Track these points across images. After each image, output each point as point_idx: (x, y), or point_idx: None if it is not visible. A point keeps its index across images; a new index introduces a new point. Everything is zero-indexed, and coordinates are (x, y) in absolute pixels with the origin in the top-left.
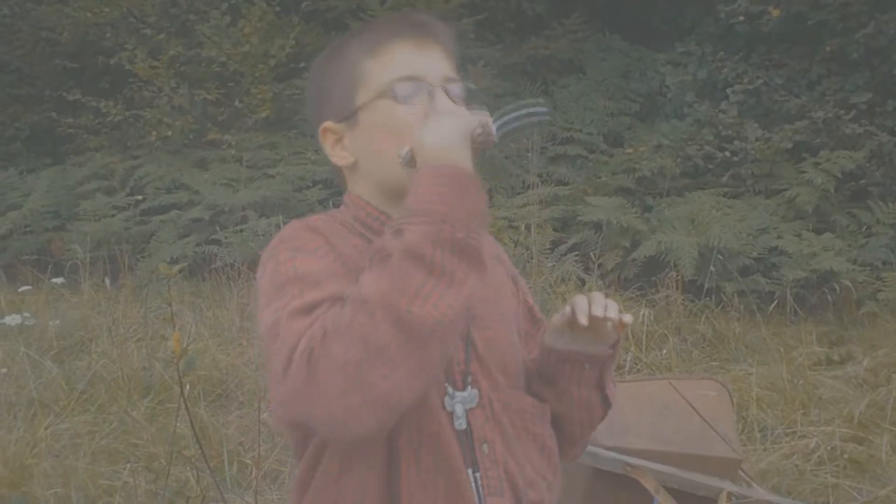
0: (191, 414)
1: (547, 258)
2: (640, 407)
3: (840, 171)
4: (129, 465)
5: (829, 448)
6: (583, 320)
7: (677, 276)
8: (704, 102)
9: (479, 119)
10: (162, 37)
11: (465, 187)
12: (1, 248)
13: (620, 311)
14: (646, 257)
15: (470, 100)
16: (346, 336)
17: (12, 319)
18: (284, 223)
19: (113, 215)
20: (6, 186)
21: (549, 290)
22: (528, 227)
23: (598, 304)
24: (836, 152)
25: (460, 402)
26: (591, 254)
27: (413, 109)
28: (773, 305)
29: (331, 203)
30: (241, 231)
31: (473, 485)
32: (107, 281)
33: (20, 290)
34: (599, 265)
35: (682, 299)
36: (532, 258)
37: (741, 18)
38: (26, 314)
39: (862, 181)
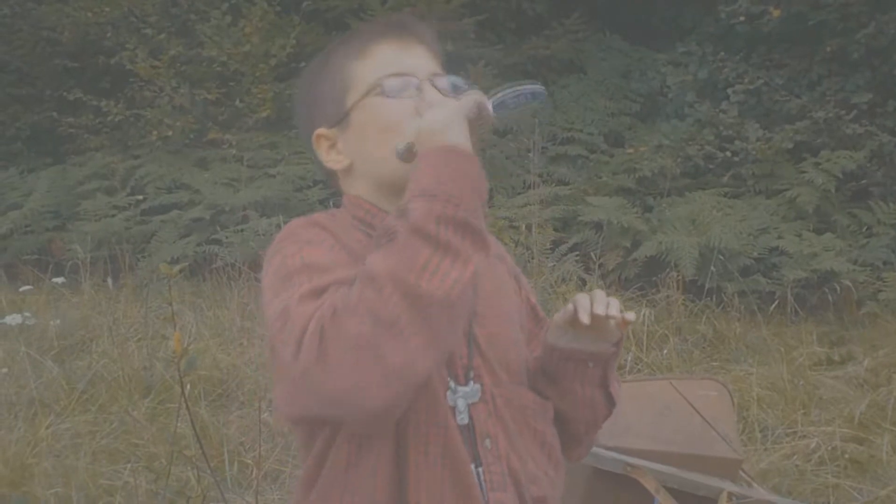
0: (191, 414)
1: (547, 258)
2: (640, 407)
3: (841, 172)
4: (129, 465)
5: (829, 448)
6: (585, 318)
7: (678, 276)
8: (705, 102)
9: (474, 98)
10: (163, 36)
11: (466, 167)
12: (2, 247)
13: (622, 310)
14: (646, 257)
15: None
16: (357, 312)
17: (13, 319)
18: (285, 223)
19: (113, 215)
20: (7, 186)
21: (550, 290)
22: (528, 227)
23: (600, 303)
24: (836, 152)
25: (462, 396)
26: (592, 254)
27: (403, 104)
28: (773, 305)
29: (331, 203)
30: (242, 231)
31: (476, 480)
32: (109, 280)
33: (21, 289)
34: (600, 265)
35: (683, 299)
36: (533, 258)
37: (742, 18)
38: (27, 314)
39: (863, 181)
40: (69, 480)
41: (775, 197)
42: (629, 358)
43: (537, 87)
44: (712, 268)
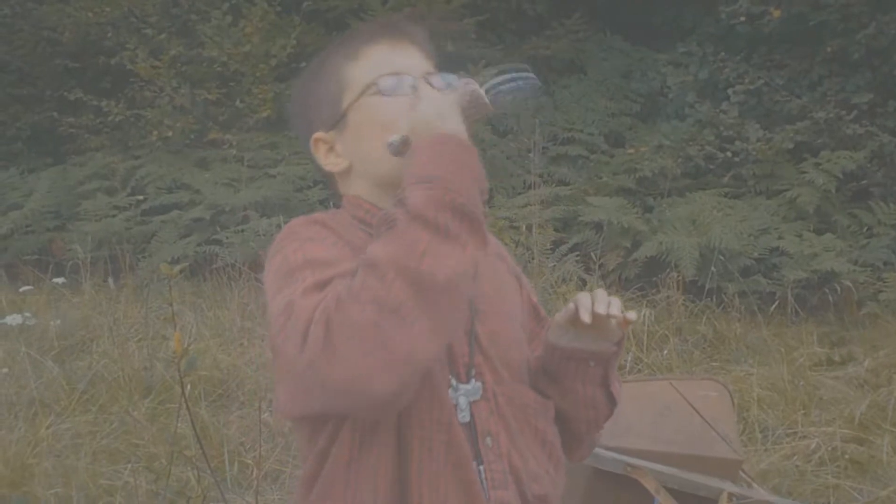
0: (192, 414)
1: (548, 258)
2: (640, 407)
3: (841, 172)
4: (129, 465)
5: (829, 449)
6: (586, 318)
7: (678, 276)
8: (705, 103)
9: (468, 88)
10: (163, 37)
11: (463, 155)
12: (2, 247)
13: (623, 309)
14: (647, 258)
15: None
16: (360, 300)
17: (13, 319)
18: (285, 223)
19: (114, 215)
20: (7, 186)
21: (550, 291)
22: (529, 228)
23: (602, 302)
24: (837, 153)
25: (464, 394)
26: (592, 254)
27: (398, 101)
28: (773, 306)
29: (331, 203)
30: (243, 231)
31: (478, 477)
32: (110, 280)
33: (21, 289)
34: (600, 265)
35: (683, 300)
36: (533, 258)
37: (742, 19)
38: (27, 314)
39: (863, 182)
40: (69, 480)
41: (776, 197)
42: (629, 358)
43: (530, 76)
44: (713, 268)
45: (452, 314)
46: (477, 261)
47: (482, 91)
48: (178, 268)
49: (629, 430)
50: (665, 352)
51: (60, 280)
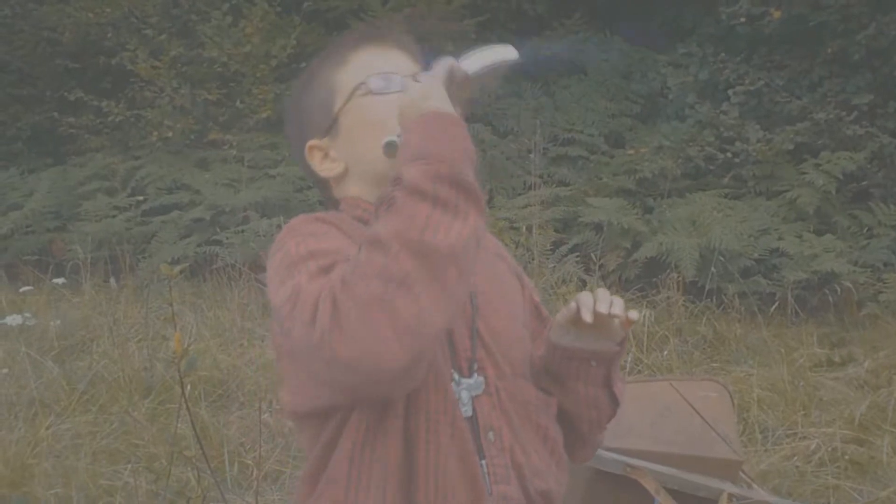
0: (192, 414)
1: (548, 259)
2: (641, 408)
3: (841, 173)
4: (129, 466)
5: (829, 449)
6: (587, 317)
7: (678, 277)
8: (706, 104)
9: (444, 63)
10: (163, 37)
11: (452, 129)
12: (2, 248)
13: (625, 309)
14: (647, 258)
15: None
16: (366, 275)
17: (13, 319)
18: (285, 223)
19: (114, 216)
20: (7, 186)
21: (551, 292)
22: (529, 228)
23: (603, 301)
24: (837, 154)
25: (466, 388)
26: (592, 255)
27: (388, 100)
28: (774, 307)
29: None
30: (243, 231)
31: (481, 472)
32: (112, 280)
33: (21, 290)
34: (600, 266)
35: (683, 300)
36: (533, 259)
37: (742, 20)
38: (27, 314)
39: (863, 183)
40: (69, 481)
41: (776, 198)
42: (629, 359)
43: (509, 47)
44: (713, 269)
45: (458, 284)
46: (480, 231)
47: (458, 63)
48: (178, 268)
49: (629, 430)
50: (665, 352)
51: (60, 280)
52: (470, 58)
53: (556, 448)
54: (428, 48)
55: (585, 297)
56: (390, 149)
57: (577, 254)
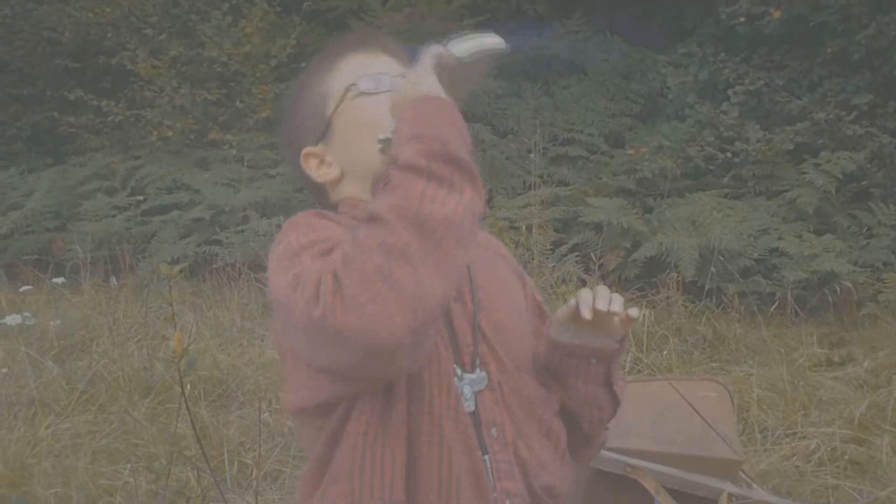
0: (191, 414)
1: (548, 259)
2: (640, 407)
3: (841, 173)
4: (129, 465)
5: (829, 449)
6: (586, 314)
7: (678, 277)
8: (705, 103)
9: (431, 51)
10: (163, 37)
11: (444, 110)
12: (2, 247)
13: (625, 306)
14: (646, 258)
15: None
16: (366, 249)
17: (13, 319)
18: (286, 221)
19: (114, 215)
20: (7, 186)
21: (550, 291)
22: (529, 228)
23: (603, 298)
24: (836, 153)
25: (468, 383)
26: (592, 254)
27: (379, 99)
28: (773, 307)
29: None
30: (242, 231)
31: (484, 467)
32: (113, 279)
33: (21, 289)
34: (600, 266)
35: (683, 300)
36: (533, 259)
37: (742, 20)
38: (27, 314)
39: (863, 182)
40: (69, 480)
41: (775, 198)
42: (629, 358)
43: (496, 36)
44: (712, 269)
45: (457, 256)
46: (476, 205)
47: (446, 49)
48: (177, 268)
49: (629, 430)
50: (665, 352)
51: (60, 280)
52: (458, 43)
53: (559, 443)
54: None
55: (585, 294)
56: (385, 146)
57: (577, 253)
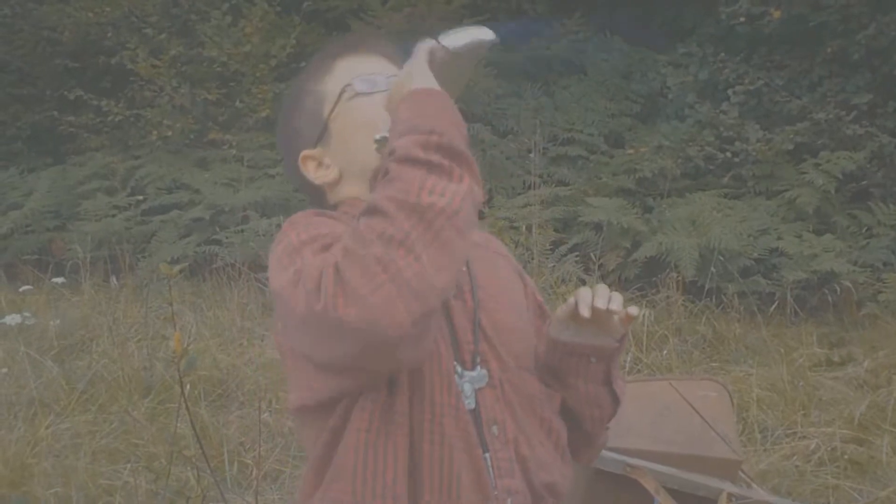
0: (191, 414)
1: (548, 259)
2: (640, 407)
3: (841, 173)
4: (129, 465)
5: (829, 449)
6: (585, 312)
7: (678, 276)
8: (705, 103)
9: (422, 46)
10: (163, 36)
11: (438, 102)
12: (2, 247)
13: (624, 305)
14: (646, 258)
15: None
16: (366, 240)
17: (13, 319)
18: (286, 221)
19: (114, 215)
20: (7, 186)
21: (550, 291)
22: (528, 228)
23: (602, 297)
24: (836, 153)
25: (469, 381)
26: (592, 254)
27: (374, 99)
28: (773, 307)
29: None
30: (242, 231)
31: (485, 465)
32: (113, 279)
33: (21, 289)
34: (600, 266)
35: (683, 300)
36: (533, 259)
37: (742, 20)
38: (27, 314)
39: (863, 182)
40: (69, 480)
41: (775, 198)
42: (629, 358)
43: (486, 28)
44: (712, 269)
45: (458, 244)
46: (476, 195)
47: (438, 42)
48: (177, 268)
49: (629, 430)
50: (664, 352)
51: (60, 280)
52: (449, 36)
53: (560, 441)
54: None
55: (584, 293)
56: (382, 145)
57: (577, 253)
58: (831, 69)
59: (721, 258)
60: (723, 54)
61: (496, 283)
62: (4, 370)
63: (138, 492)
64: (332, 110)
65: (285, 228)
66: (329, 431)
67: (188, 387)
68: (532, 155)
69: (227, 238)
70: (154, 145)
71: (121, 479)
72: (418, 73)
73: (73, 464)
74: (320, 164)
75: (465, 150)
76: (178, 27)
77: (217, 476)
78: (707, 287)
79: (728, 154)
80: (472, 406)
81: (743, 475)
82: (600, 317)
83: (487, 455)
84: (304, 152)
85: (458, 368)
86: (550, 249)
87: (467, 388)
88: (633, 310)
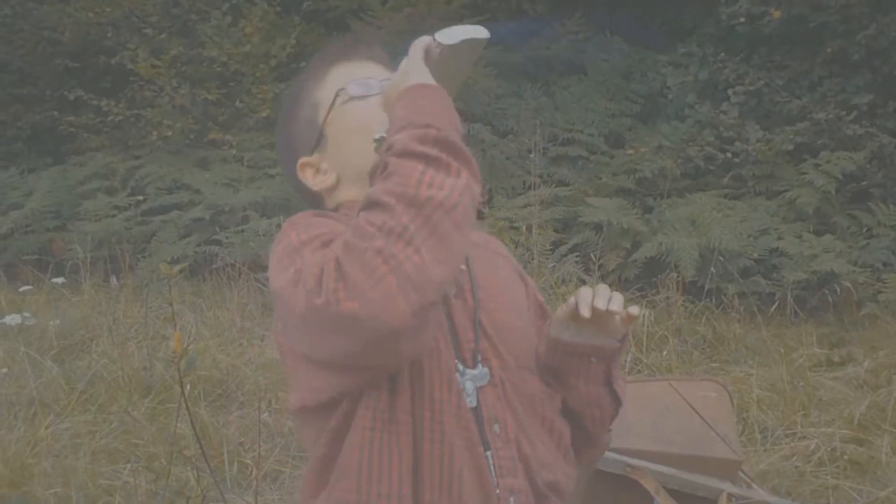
0: (191, 414)
1: (548, 259)
2: (640, 408)
3: (841, 173)
4: (129, 465)
5: (829, 449)
6: (585, 312)
7: (678, 277)
8: (705, 103)
9: (417, 43)
10: (163, 36)
11: (431, 96)
12: (2, 247)
13: (624, 305)
14: (646, 258)
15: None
16: (366, 233)
17: (13, 319)
18: (285, 221)
19: (114, 215)
20: (7, 186)
21: (550, 291)
22: (528, 228)
23: (602, 297)
24: (836, 153)
25: (470, 379)
26: (592, 255)
27: (369, 102)
28: (773, 307)
29: None
30: (242, 231)
31: (487, 464)
32: (111, 280)
33: (21, 289)
34: (600, 266)
35: (683, 300)
36: (533, 259)
37: (742, 20)
38: (27, 314)
39: (863, 183)
40: (69, 480)
41: (775, 198)
42: (629, 359)
43: (479, 26)
44: (712, 269)
45: (457, 238)
46: (474, 190)
47: (433, 39)
48: (177, 268)
49: (628, 430)
50: (664, 352)
51: (60, 280)
52: (444, 32)
53: (562, 440)
54: None
55: (584, 293)
56: (380, 145)
57: (577, 254)
58: (831, 69)
59: (721, 258)
60: (723, 54)
61: (496, 283)
62: (4, 370)
63: (138, 492)
64: (326, 115)
65: (285, 229)
66: (330, 431)
67: (188, 387)
68: (532, 155)
69: (227, 238)
70: (154, 145)
71: (121, 479)
72: (415, 70)
73: (73, 464)
74: (318, 171)
75: (463, 145)
76: (178, 27)
77: (217, 476)
78: (707, 287)
79: (728, 154)
80: (474, 404)
81: (743, 475)
82: (601, 317)
83: (489, 454)
84: (302, 159)
85: (460, 366)
86: (550, 250)
87: (469, 387)
88: (634, 310)
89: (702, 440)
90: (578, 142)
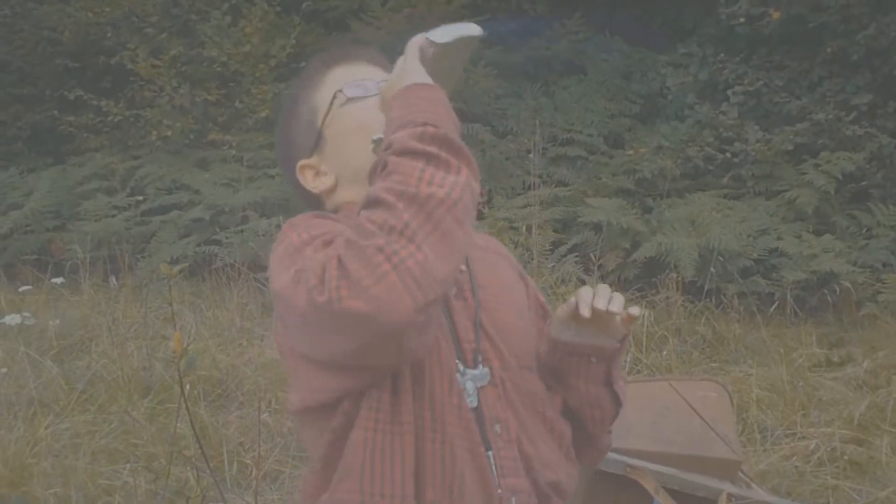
0: (191, 414)
1: (547, 259)
2: (640, 408)
3: (840, 173)
4: (129, 465)
5: (828, 449)
6: (585, 312)
7: (677, 277)
8: (705, 104)
9: (412, 43)
10: (163, 36)
11: (432, 95)
12: (1, 247)
13: (625, 305)
14: (646, 258)
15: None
16: (368, 231)
17: (12, 319)
18: (285, 222)
19: (113, 215)
20: (7, 186)
21: (550, 292)
22: (528, 229)
23: (603, 297)
24: (836, 154)
25: (471, 379)
26: (592, 255)
27: (367, 103)
28: (773, 307)
29: None
30: (242, 231)
31: (488, 464)
32: (111, 280)
33: (20, 289)
34: (600, 266)
35: (683, 300)
36: (532, 259)
37: (742, 20)
38: (26, 314)
39: (862, 183)
40: (68, 480)
41: (775, 198)
42: (628, 359)
43: (473, 24)
44: (712, 269)
45: (458, 235)
46: (474, 187)
47: (427, 38)
48: (177, 268)
49: (628, 430)
50: (664, 352)
51: (59, 280)
52: (438, 31)
53: (563, 440)
54: None
55: (585, 293)
56: (379, 145)
57: (577, 254)
58: (831, 69)
59: (721, 258)
60: (723, 55)
61: (497, 283)
62: (4, 370)
63: (138, 492)
64: (324, 118)
65: (285, 230)
66: (332, 432)
67: (188, 387)
68: (531, 155)
69: (226, 238)
70: (154, 145)
71: (120, 479)
72: (411, 69)
73: (73, 464)
74: (317, 173)
75: (462, 143)
76: (178, 27)
77: (217, 476)
78: (707, 287)
79: (728, 154)
80: (475, 404)
81: (743, 475)
82: (601, 317)
83: (490, 454)
84: (301, 162)
85: (460, 366)
86: (550, 250)
87: (469, 387)
88: (635, 310)
89: (701, 440)
90: (578, 142)
